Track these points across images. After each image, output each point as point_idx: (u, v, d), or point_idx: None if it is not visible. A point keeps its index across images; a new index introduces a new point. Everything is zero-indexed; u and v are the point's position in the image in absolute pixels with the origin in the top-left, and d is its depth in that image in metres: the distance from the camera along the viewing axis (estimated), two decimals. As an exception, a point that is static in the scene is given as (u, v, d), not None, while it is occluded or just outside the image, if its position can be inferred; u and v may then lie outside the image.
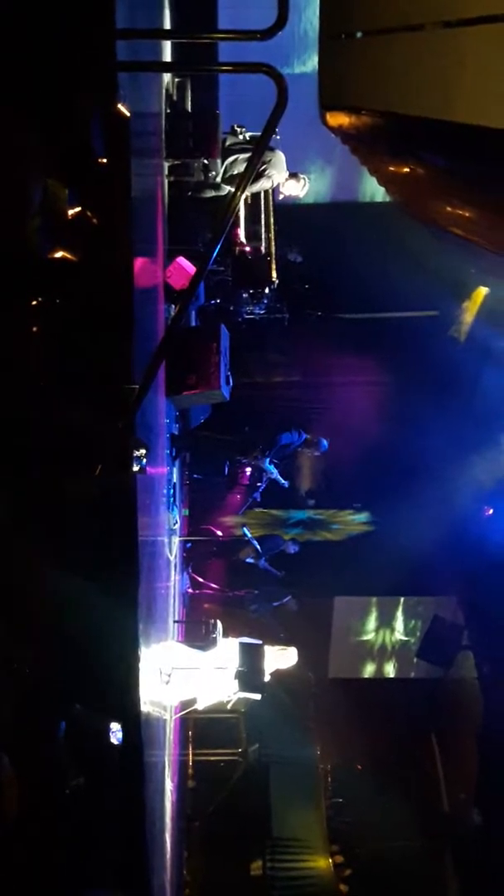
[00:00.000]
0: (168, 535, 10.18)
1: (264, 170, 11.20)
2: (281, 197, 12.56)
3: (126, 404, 5.53)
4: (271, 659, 9.82)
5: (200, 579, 13.52)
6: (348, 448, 14.25)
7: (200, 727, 12.50)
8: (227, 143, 11.47)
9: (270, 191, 12.74)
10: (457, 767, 14.60)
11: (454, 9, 4.65)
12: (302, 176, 11.87)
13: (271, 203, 12.97)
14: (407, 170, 7.95)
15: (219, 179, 11.23)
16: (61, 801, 5.41)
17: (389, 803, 13.31)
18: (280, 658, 10.02)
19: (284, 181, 11.73)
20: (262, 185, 11.65)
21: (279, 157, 11.41)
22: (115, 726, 5.96)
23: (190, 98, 11.91)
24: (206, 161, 11.01)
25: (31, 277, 4.92)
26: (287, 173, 11.62)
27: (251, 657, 9.49)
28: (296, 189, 11.90)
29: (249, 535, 13.57)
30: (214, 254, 5.20)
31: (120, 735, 5.97)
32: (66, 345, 5.22)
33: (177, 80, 11.71)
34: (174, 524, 10.84)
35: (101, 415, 5.51)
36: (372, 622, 16.60)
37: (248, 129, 11.61)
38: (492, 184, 5.62)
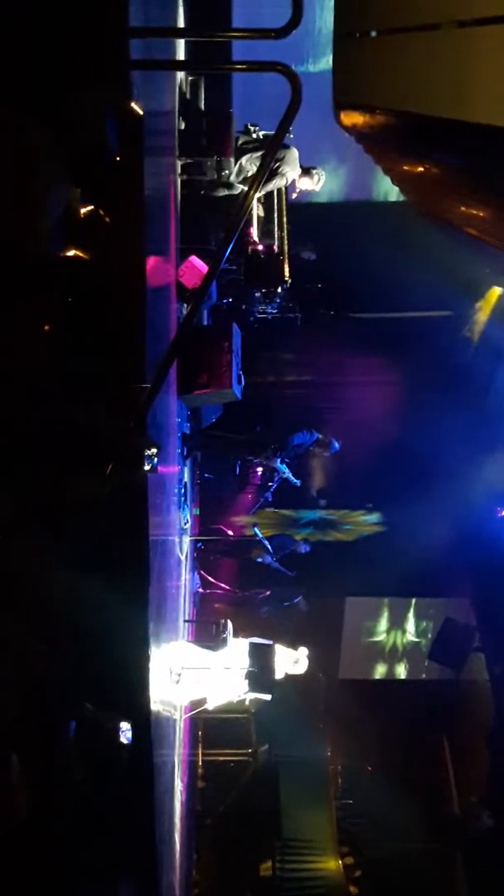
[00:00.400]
0: (179, 534, 10.17)
1: (278, 167, 11.19)
2: (294, 195, 12.54)
3: (137, 403, 5.52)
4: (282, 663, 9.82)
5: (211, 579, 13.51)
6: (360, 448, 14.22)
7: (210, 727, 12.51)
8: (241, 141, 11.46)
9: (284, 189, 12.72)
10: (468, 770, 14.55)
11: (469, 8, 4.64)
12: (316, 171, 11.84)
13: (284, 202, 12.95)
14: (421, 169, 7.94)
15: (232, 178, 11.23)
16: (70, 801, 5.41)
17: (400, 805, 13.25)
18: (292, 665, 10.02)
19: (299, 178, 11.71)
20: (277, 183, 11.65)
21: (293, 154, 11.38)
22: (125, 725, 5.95)
23: (203, 97, 11.90)
24: (219, 160, 11.00)
25: (43, 276, 4.91)
26: (301, 169, 11.60)
27: (261, 657, 9.48)
28: (310, 184, 11.88)
29: (260, 535, 13.55)
30: (227, 253, 5.18)
31: (130, 734, 5.97)
32: (78, 344, 5.21)
33: (190, 78, 11.70)
34: (185, 523, 10.84)
35: (112, 414, 5.50)
36: (383, 623, 16.57)
37: (262, 128, 11.61)
38: (506, 183, 5.60)
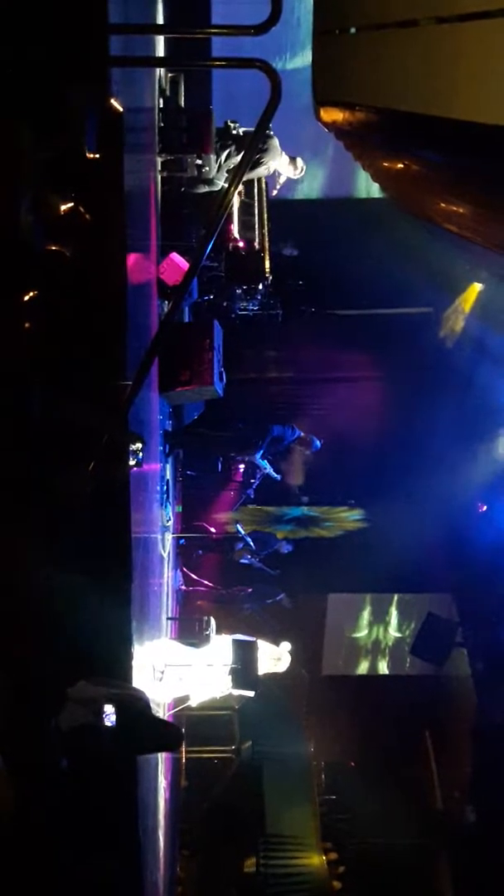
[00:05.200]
0: (161, 531, 10.17)
1: (260, 158, 11.17)
2: (275, 191, 12.55)
3: (119, 400, 5.52)
4: (265, 661, 9.83)
5: (194, 576, 13.50)
6: (342, 444, 14.24)
7: (193, 724, 12.46)
8: (221, 138, 11.44)
9: (265, 185, 12.71)
10: (451, 765, 14.59)
11: (448, 5, 4.64)
12: (297, 159, 11.82)
13: (265, 199, 12.95)
14: (401, 165, 7.96)
15: (212, 175, 11.21)
16: (54, 799, 5.40)
17: (383, 800, 13.28)
18: (274, 664, 10.04)
19: (283, 167, 11.69)
20: (259, 172, 11.63)
21: (274, 144, 11.36)
22: (109, 709, 5.94)
23: (183, 93, 11.88)
24: (199, 156, 10.98)
25: (23, 273, 4.90)
26: (283, 156, 11.57)
27: (245, 654, 9.48)
28: (292, 172, 11.86)
29: (243, 532, 13.54)
30: (208, 249, 5.19)
31: (113, 718, 5.95)
32: (59, 341, 5.20)
33: (170, 75, 11.68)
34: (167, 521, 10.83)
35: (94, 411, 5.50)
36: (366, 619, 16.59)
37: (242, 125, 11.59)
38: (485, 179, 5.61)
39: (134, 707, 5.93)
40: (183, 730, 7.16)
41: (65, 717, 5.50)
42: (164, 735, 6.61)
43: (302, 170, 11.97)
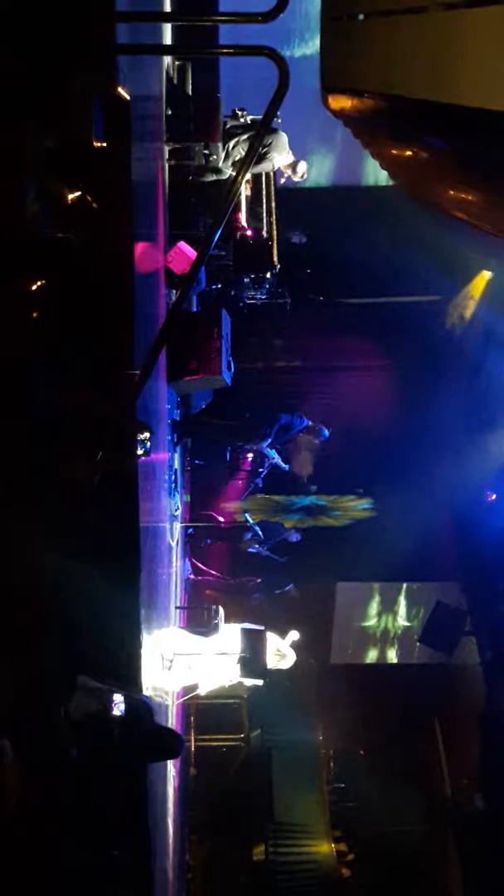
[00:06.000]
0: (170, 521, 10.18)
1: (266, 152, 11.16)
2: (283, 180, 12.51)
3: (127, 389, 5.51)
4: (271, 654, 9.83)
5: (202, 566, 13.51)
6: (350, 433, 14.23)
7: (202, 713, 12.50)
8: (228, 126, 11.43)
9: (272, 174, 12.68)
10: (459, 753, 14.60)
11: (457, -10, 4.62)
12: (300, 163, 11.82)
13: (273, 187, 12.92)
14: (409, 153, 7.93)
15: (220, 163, 11.19)
16: (63, 786, 5.41)
17: (392, 788, 13.32)
18: (278, 660, 10.04)
19: (284, 166, 11.69)
20: (264, 166, 11.62)
21: (281, 139, 11.35)
22: (118, 698, 5.95)
23: (191, 81, 11.85)
24: (207, 145, 10.97)
25: (31, 262, 4.90)
26: (290, 153, 11.56)
27: (253, 643, 9.50)
28: (293, 174, 11.87)
29: (251, 521, 13.54)
30: (216, 238, 5.17)
31: (123, 707, 5.97)
32: (67, 330, 5.19)
33: (177, 63, 11.65)
34: (176, 510, 10.84)
35: (102, 400, 5.49)
36: (374, 608, 16.59)
37: (250, 113, 11.58)
38: (494, 167, 5.59)
39: (135, 715, 5.96)
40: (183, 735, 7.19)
41: (74, 706, 5.51)
42: (164, 743, 6.65)
43: (304, 175, 12.00)
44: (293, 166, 11.75)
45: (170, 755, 7.58)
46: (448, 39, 4.80)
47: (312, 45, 12.25)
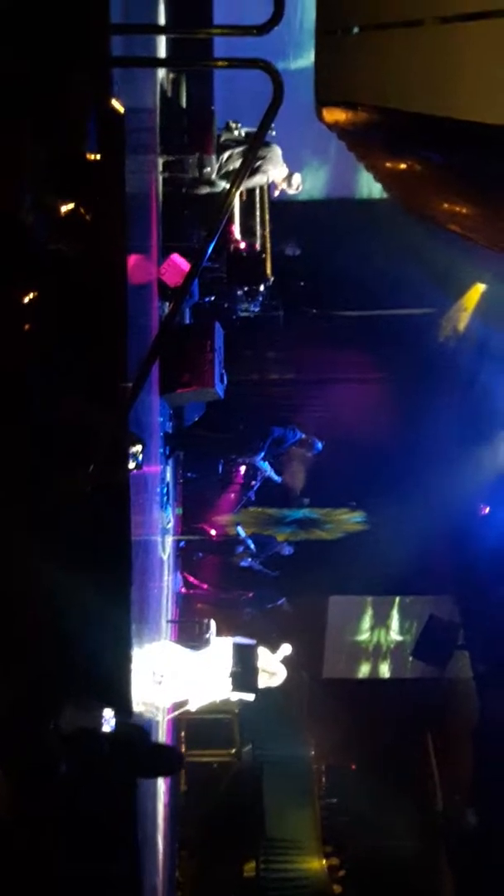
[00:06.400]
0: (161, 534, 10.15)
1: (260, 165, 11.15)
2: (276, 193, 12.51)
3: (119, 402, 5.49)
4: (261, 673, 9.79)
5: (193, 579, 13.47)
6: (343, 446, 14.21)
7: (193, 728, 12.45)
8: (223, 139, 11.42)
9: (266, 187, 12.68)
10: (452, 768, 14.57)
11: (451, 4, 4.61)
12: (294, 176, 11.82)
13: (266, 200, 12.91)
14: (404, 166, 7.92)
15: (214, 176, 11.18)
16: (52, 802, 5.37)
17: (384, 804, 13.25)
18: (267, 678, 9.99)
19: (281, 177, 11.68)
20: (258, 180, 11.61)
21: (275, 152, 11.35)
22: (108, 714, 5.93)
23: (185, 94, 11.84)
24: (201, 157, 10.96)
25: (24, 274, 4.87)
26: (284, 167, 11.56)
27: (245, 657, 9.46)
28: (287, 187, 11.87)
29: (243, 534, 13.51)
30: (209, 251, 5.15)
31: (113, 723, 5.95)
32: (60, 342, 5.17)
33: (171, 75, 11.65)
34: (168, 523, 10.80)
35: (94, 412, 5.47)
36: (367, 622, 16.55)
37: (244, 125, 11.57)
38: (489, 180, 5.58)
39: (129, 738, 5.93)
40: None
41: (64, 721, 5.47)
42: (163, 761, 6.63)
43: (299, 187, 11.98)
44: (288, 179, 11.75)
45: (169, 772, 7.57)
46: (443, 53, 4.79)
47: (307, 58, 12.24)
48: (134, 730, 6.16)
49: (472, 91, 4.47)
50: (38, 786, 5.26)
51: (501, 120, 4.05)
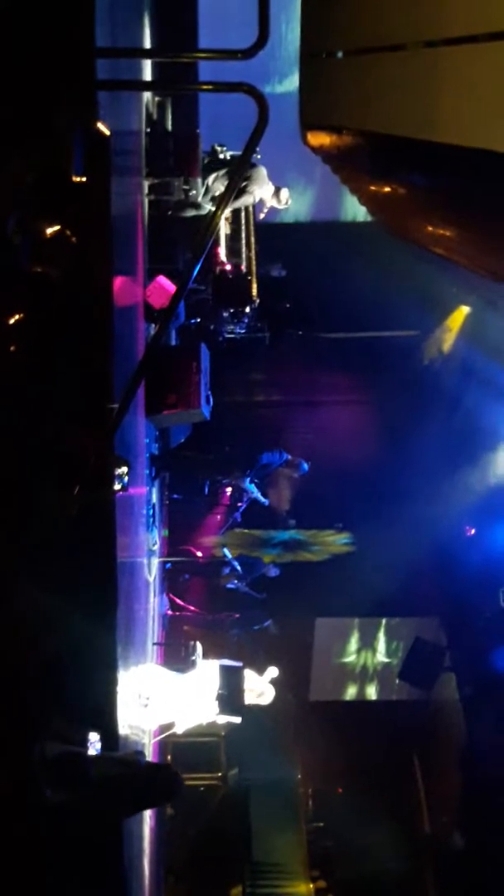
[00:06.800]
0: (147, 556, 10.11)
1: (245, 186, 11.20)
2: (262, 215, 12.56)
3: (105, 423, 5.48)
4: (249, 693, 9.75)
5: (180, 601, 13.42)
6: (329, 467, 14.21)
7: (179, 751, 12.35)
8: (208, 161, 11.47)
9: (252, 209, 12.74)
10: (439, 790, 14.51)
11: (435, 29, 4.64)
12: (282, 190, 11.85)
13: (252, 222, 12.97)
14: (388, 189, 7.96)
15: (199, 198, 11.23)
16: (37, 825, 5.33)
17: (371, 827, 13.18)
18: (256, 697, 9.96)
19: (268, 195, 11.72)
20: (245, 200, 11.66)
21: (261, 172, 11.39)
22: (94, 737, 5.90)
23: (170, 117, 11.93)
24: (186, 180, 11.00)
25: (9, 295, 4.87)
26: (270, 185, 11.60)
27: (231, 680, 9.42)
28: (277, 203, 11.90)
29: (230, 556, 13.48)
30: (195, 273, 5.16)
31: (99, 746, 5.91)
32: (46, 363, 5.16)
33: (157, 99, 11.72)
34: (153, 545, 10.77)
35: (80, 434, 5.46)
36: (353, 644, 16.52)
37: (229, 149, 11.63)
38: (472, 203, 5.61)
39: (122, 766, 5.91)
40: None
41: (49, 746, 5.44)
42: (164, 786, 6.61)
43: (287, 201, 12.01)
44: (276, 194, 11.78)
45: (167, 797, 7.56)
46: (427, 77, 4.82)
47: (292, 82, 12.34)
48: (129, 758, 6.13)
49: (455, 115, 4.50)
50: (22, 810, 5.23)
51: (484, 144, 4.07)
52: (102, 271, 5.73)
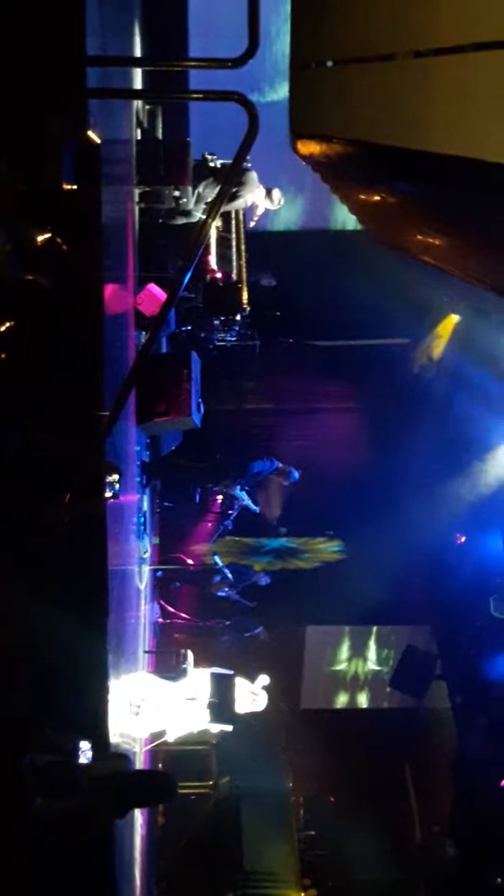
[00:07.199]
0: (138, 563, 10.10)
1: (237, 191, 11.20)
2: (253, 223, 12.57)
3: (96, 431, 5.49)
4: (242, 698, 9.74)
5: (171, 609, 13.40)
6: (320, 475, 14.24)
7: (171, 759, 12.33)
8: (198, 170, 11.48)
9: (242, 216, 12.75)
10: (430, 799, 14.50)
11: (424, 39, 4.66)
12: (274, 191, 11.85)
13: (242, 230, 12.99)
14: (377, 198, 7.98)
15: (190, 206, 11.24)
16: (28, 834, 5.32)
17: (363, 835, 13.15)
18: (250, 702, 9.95)
19: (260, 198, 11.72)
20: (237, 204, 11.66)
21: (251, 176, 11.39)
22: (85, 745, 5.88)
23: (161, 125, 11.94)
24: (177, 188, 11.01)
25: (0, 304, 4.88)
26: (261, 188, 11.60)
27: (222, 688, 9.40)
28: (269, 204, 11.89)
29: (220, 564, 13.47)
30: (185, 280, 5.18)
31: (90, 755, 5.89)
32: (36, 371, 5.16)
33: (148, 107, 11.73)
34: (145, 553, 10.76)
35: (71, 441, 5.46)
36: (344, 652, 16.50)
37: (220, 157, 11.64)
38: (461, 212, 5.63)
39: (111, 769, 5.89)
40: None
41: (39, 755, 5.42)
42: (157, 786, 6.59)
43: (279, 201, 12.01)
44: (268, 195, 11.77)
45: (158, 799, 7.53)
46: (416, 86, 4.84)
47: (282, 91, 12.37)
48: (117, 760, 6.11)
49: (443, 124, 4.52)
50: (12, 819, 5.21)
51: (473, 153, 4.09)
52: (93, 279, 5.74)
